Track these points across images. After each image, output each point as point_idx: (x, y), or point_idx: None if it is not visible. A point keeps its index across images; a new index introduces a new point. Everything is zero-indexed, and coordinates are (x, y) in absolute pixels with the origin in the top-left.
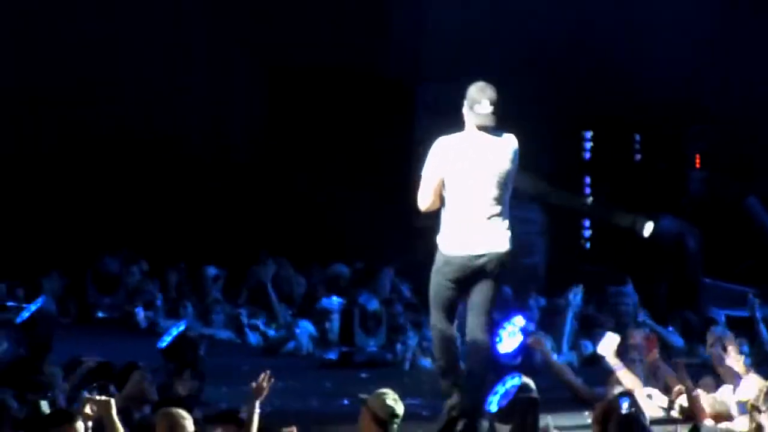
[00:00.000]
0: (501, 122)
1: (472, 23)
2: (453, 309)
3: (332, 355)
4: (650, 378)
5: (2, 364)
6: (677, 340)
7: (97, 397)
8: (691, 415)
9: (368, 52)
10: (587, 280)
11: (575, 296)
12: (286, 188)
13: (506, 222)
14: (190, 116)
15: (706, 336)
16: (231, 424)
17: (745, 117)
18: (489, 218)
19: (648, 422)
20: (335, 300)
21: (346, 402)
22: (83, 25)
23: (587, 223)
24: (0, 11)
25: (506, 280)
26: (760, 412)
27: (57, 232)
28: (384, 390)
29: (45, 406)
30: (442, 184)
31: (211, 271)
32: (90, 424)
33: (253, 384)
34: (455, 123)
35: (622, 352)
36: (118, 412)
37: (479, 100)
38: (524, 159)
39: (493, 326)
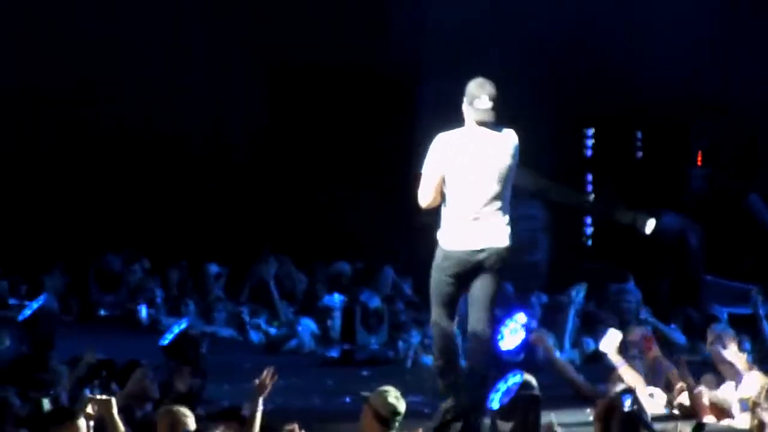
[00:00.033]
0: (502, 120)
1: (473, 22)
2: (453, 305)
3: (334, 353)
4: (651, 375)
5: (5, 361)
6: (679, 338)
7: (98, 397)
8: (692, 412)
9: (368, 52)
10: (589, 277)
11: (578, 293)
12: (287, 186)
13: (506, 218)
14: (190, 116)
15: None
16: (233, 422)
17: (747, 114)
18: (489, 214)
19: (650, 419)
20: (337, 298)
21: (347, 400)
22: (83, 25)
23: (589, 220)
24: (0, 11)
25: (508, 276)
26: (761, 408)
27: (59, 230)
28: (386, 388)
29: (47, 404)
30: (443, 181)
31: (213, 269)
32: (92, 423)
33: (257, 380)
34: (456, 121)
35: (623, 349)
36: (120, 410)
37: (478, 96)
38: (526, 156)
39: (494, 323)
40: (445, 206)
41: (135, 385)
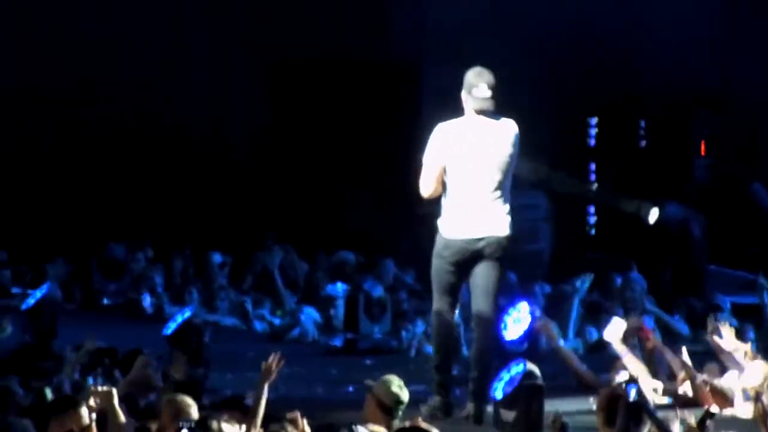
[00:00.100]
0: (506, 109)
1: (476, 10)
2: (454, 293)
3: (337, 342)
4: (650, 365)
5: (7, 350)
6: (682, 328)
7: (100, 388)
8: (695, 401)
9: (369, 46)
10: (592, 266)
11: (583, 283)
12: (290, 177)
13: (506, 206)
14: (193, 105)
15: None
16: (236, 411)
17: (750, 103)
18: (489, 202)
19: (654, 408)
20: (340, 287)
21: (351, 389)
22: (83, 25)
23: (592, 209)
24: (0, 11)
25: (511, 266)
26: (764, 397)
27: (63, 219)
28: (389, 377)
29: (50, 393)
30: (444, 170)
31: (217, 257)
32: (93, 416)
33: (264, 364)
34: (458, 113)
35: (627, 338)
36: (123, 399)
37: (477, 84)
38: (529, 146)
39: (498, 311)
40: (445, 195)
41: (137, 373)
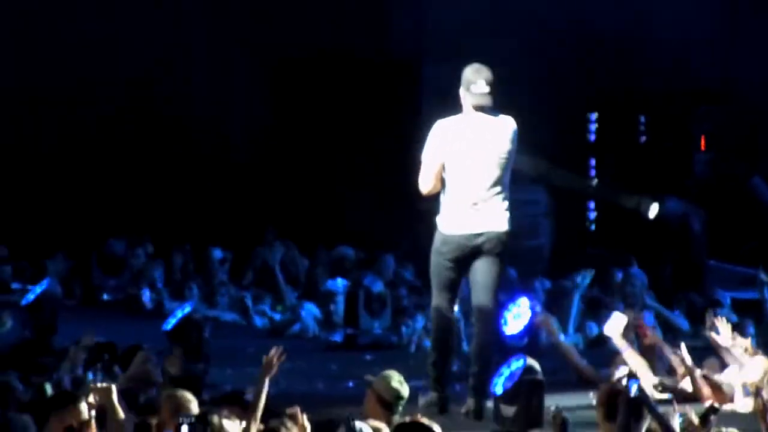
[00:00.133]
0: (506, 105)
1: (476, 8)
2: (453, 289)
3: (337, 338)
4: (649, 360)
5: (7, 345)
6: (682, 323)
7: (99, 385)
8: (694, 397)
9: (371, 40)
10: (592, 262)
11: (584, 279)
12: (291, 173)
13: (505, 203)
14: (193, 103)
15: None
16: (236, 406)
17: (750, 98)
18: (487, 198)
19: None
20: (340, 282)
21: (351, 384)
22: (83, 25)
23: (592, 205)
24: (0, 11)
25: (511, 262)
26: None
27: (63, 216)
28: (389, 372)
29: (49, 389)
30: (443, 167)
31: (217, 253)
32: (93, 413)
33: (264, 358)
34: (458, 109)
35: (625, 334)
36: (123, 394)
37: (475, 81)
38: (529, 141)
39: (498, 307)
40: (444, 191)
41: (137, 369)
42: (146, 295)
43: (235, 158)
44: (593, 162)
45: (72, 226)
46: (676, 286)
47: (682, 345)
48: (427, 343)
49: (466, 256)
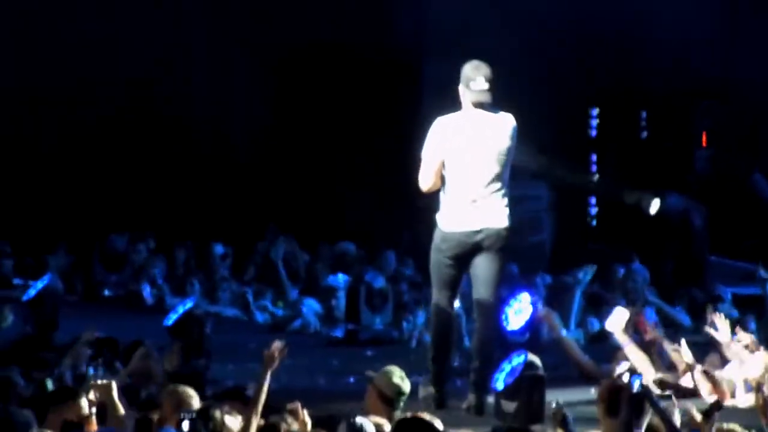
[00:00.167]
0: (507, 101)
1: (477, 4)
2: (454, 287)
3: (338, 333)
4: (649, 356)
5: (9, 341)
6: (684, 319)
7: (99, 382)
8: (693, 392)
9: (371, 38)
10: (594, 257)
11: (585, 275)
12: (292, 171)
13: (505, 199)
14: (194, 101)
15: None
16: (237, 402)
17: (751, 93)
18: (487, 195)
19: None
20: (341, 277)
21: (352, 380)
22: (83, 25)
23: (594, 200)
24: (0, 11)
25: (512, 257)
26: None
27: (64, 211)
28: (390, 368)
29: (50, 384)
30: (443, 164)
31: (219, 249)
32: (94, 410)
33: (266, 352)
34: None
35: (629, 329)
36: (125, 390)
37: (474, 78)
38: (531, 137)
39: (500, 302)
40: (443, 188)
41: (137, 364)
42: (147, 291)
43: (236, 155)
44: (594, 158)
45: (73, 221)
46: (677, 282)
47: (683, 341)
48: (428, 338)
49: (466, 253)
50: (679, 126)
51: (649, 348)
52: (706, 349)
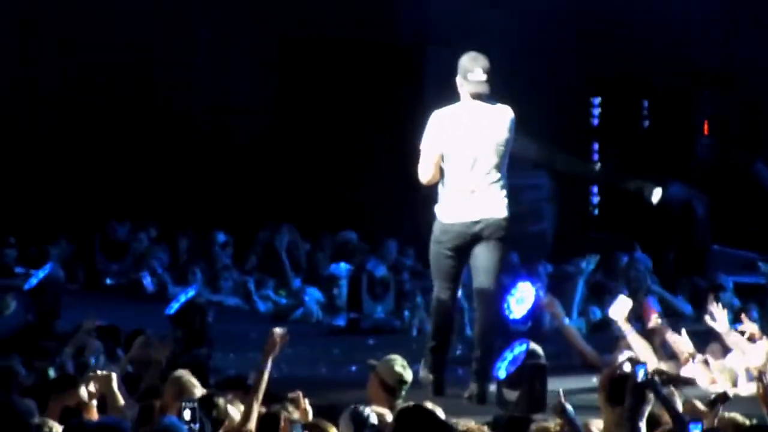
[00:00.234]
0: (509, 90)
1: None
2: (455, 278)
3: (340, 322)
4: (651, 344)
5: (11, 329)
6: (686, 308)
7: (98, 373)
8: (694, 381)
9: (374, 24)
10: (595, 246)
11: (588, 264)
12: (293, 158)
13: (503, 190)
14: (196, 86)
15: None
16: (239, 390)
17: (754, 82)
18: (485, 186)
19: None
20: (343, 266)
21: (354, 368)
22: (86, 16)
23: (595, 189)
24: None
25: (514, 247)
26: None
27: (66, 200)
28: (392, 356)
29: (52, 373)
30: (441, 156)
31: (220, 237)
32: (94, 402)
33: (267, 339)
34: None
35: (631, 317)
36: (126, 378)
37: (472, 69)
38: (533, 126)
39: (501, 292)
40: (442, 180)
41: (137, 351)
42: (147, 279)
43: (237, 143)
44: (596, 147)
45: (75, 210)
46: (680, 271)
47: (683, 331)
48: (429, 328)
49: (466, 244)
50: (680, 115)
51: (651, 337)
52: (708, 338)
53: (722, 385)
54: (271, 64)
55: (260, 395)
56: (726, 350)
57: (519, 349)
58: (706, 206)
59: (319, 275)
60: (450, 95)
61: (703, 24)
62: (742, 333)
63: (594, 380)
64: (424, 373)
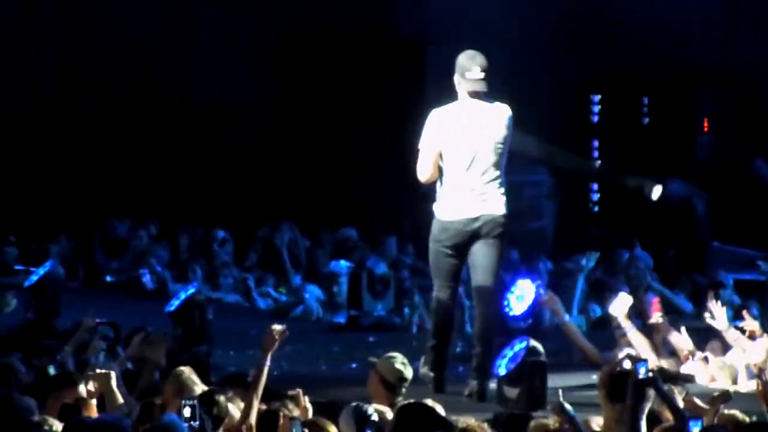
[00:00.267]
0: (508, 86)
1: None
2: (455, 277)
3: (340, 319)
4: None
5: (11, 326)
6: (685, 305)
7: (97, 371)
8: (693, 378)
9: (375, 20)
10: (595, 243)
11: (588, 261)
12: (293, 155)
13: (502, 188)
14: (197, 83)
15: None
16: (239, 388)
17: (753, 79)
18: (483, 183)
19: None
20: (343, 264)
21: (354, 366)
22: (87, 12)
23: (596, 186)
24: None
25: (514, 244)
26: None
27: (66, 196)
28: (393, 354)
29: (52, 371)
30: (440, 155)
31: (220, 234)
32: (94, 402)
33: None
34: None
35: (632, 314)
36: (125, 376)
37: (469, 68)
38: (533, 122)
39: (501, 288)
40: (440, 178)
41: (135, 349)
42: (146, 277)
43: (237, 140)
44: (596, 144)
45: (75, 208)
46: (680, 268)
47: (682, 329)
48: (429, 325)
49: (464, 241)
50: (680, 112)
51: (652, 334)
52: (708, 335)
53: (722, 383)
54: (271, 63)
55: (260, 391)
56: (726, 347)
57: (519, 346)
58: (706, 203)
59: (319, 272)
60: (451, 93)
61: (702, 21)
62: (743, 330)
63: (594, 377)
64: (424, 371)
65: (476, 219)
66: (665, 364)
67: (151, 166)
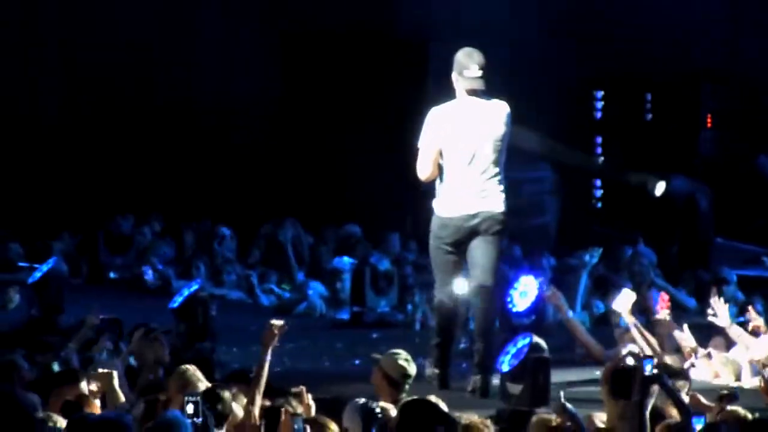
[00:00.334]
0: (511, 84)
1: None
2: (456, 273)
3: (344, 316)
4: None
5: (15, 323)
6: (689, 301)
7: (99, 371)
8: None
9: (378, 18)
10: (598, 239)
11: (591, 257)
12: (297, 152)
13: (501, 185)
14: (201, 81)
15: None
16: (243, 384)
17: (756, 75)
18: (483, 181)
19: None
20: (347, 260)
21: (357, 362)
22: (89, 10)
23: (599, 182)
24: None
25: (517, 240)
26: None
27: (70, 193)
28: (396, 350)
29: (57, 367)
30: (439, 153)
31: (223, 231)
32: (97, 402)
33: (264, 331)
34: None
35: (635, 311)
36: (129, 372)
37: (467, 66)
38: (536, 119)
39: (501, 285)
40: (440, 176)
41: (136, 345)
42: (148, 273)
43: (240, 137)
44: (599, 140)
45: (79, 204)
46: (683, 264)
47: (685, 326)
48: (432, 322)
49: (464, 238)
50: (683, 108)
51: (656, 329)
52: (712, 331)
53: (726, 379)
54: (273, 60)
55: (262, 386)
56: (729, 343)
57: (522, 342)
58: (709, 199)
59: (323, 269)
60: (453, 90)
61: (705, 18)
62: (746, 326)
63: (597, 373)
64: (429, 368)
65: (475, 216)
66: (669, 360)
67: (154, 163)
